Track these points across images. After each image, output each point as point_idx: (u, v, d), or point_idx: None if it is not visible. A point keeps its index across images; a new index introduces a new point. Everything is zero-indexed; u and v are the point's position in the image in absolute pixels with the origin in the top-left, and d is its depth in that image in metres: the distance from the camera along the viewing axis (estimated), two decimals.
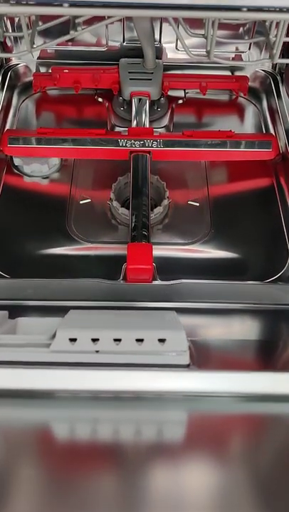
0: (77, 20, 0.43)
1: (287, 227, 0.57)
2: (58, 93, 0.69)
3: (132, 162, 0.58)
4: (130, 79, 0.65)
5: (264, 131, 0.66)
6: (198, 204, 0.58)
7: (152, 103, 0.66)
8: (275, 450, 0.25)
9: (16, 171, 0.60)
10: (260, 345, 0.40)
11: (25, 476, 0.24)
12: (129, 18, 0.62)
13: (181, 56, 0.69)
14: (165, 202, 0.57)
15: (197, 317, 0.46)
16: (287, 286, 0.50)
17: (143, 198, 0.54)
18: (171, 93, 0.68)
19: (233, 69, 0.70)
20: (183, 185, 0.60)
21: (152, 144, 0.59)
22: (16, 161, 0.60)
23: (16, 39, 0.67)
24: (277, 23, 0.38)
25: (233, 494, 0.24)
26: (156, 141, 0.59)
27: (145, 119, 0.64)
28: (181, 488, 0.24)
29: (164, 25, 0.66)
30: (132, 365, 0.27)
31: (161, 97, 0.67)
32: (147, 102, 0.65)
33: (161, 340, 0.28)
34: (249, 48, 0.68)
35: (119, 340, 0.28)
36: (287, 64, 0.63)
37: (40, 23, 0.48)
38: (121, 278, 0.51)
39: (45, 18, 0.49)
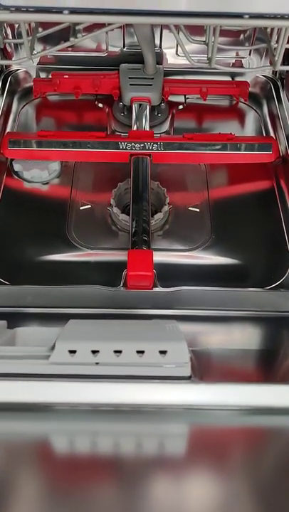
0: (77, 27, 0.43)
1: (288, 232, 0.57)
2: (58, 99, 0.69)
3: (132, 165, 0.58)
4: (130, 84, 0.65)
5: None
6: (198, 210, 0.58)
7: (153, 108, 0.66)
8: (277, 464, 0.25)
9: (16, 177, 0.60)
10: (262, 354, 0.40)
11: (24, 490, 0.24)
12: (130, 24, 0.62)
13: (182, 61, 0.69)
14: (165, 208, 0.57)
15: (198, 325, 0.46)
16: (288, 293, 0.50)
17: (143, 204, 0.54)
18: (171, 98, 0.68)
19: (233, 74, 0.70)
20: (183, 191, 0.60)
21: (152, 146, 0.59)
22: (16, 167, 0.60)
23: (16, 45, 0.67)
24: (279, 30, 0.38)
25: (235, 509, 0.23)
26: (157, 144, 0.59)
27: (145, 125, 0.64)
28: (182, 503, 0.23)
29: (165, 30, 0.66)
30: (133, 377, 0.27)
31: (161, 103, 0.67)
32: (148, 107, 0.65)
33: (162, 352, 0.27)
34: (249, 54, 0.68)
35: (119, 351, 0.27)
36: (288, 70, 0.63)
37: (40, 30, 0.48)
38: (121, 285, 0.50)
39: (46, 25, 0.49)
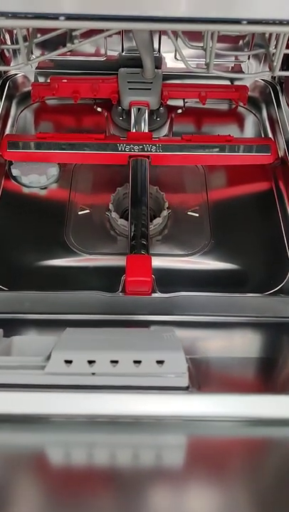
0: (74, 33, 0.43)
1: (288, 236, 0.56)
2: (57, 103, 0.69)
3: (130, 167, 0.58)
4: (129, 88, 0.65)
5: None
6: (197, 214, 0.58)
7: (151, 113, 0.66)
8: (277, 476, 0.24)
9: (14, 182, 0.60)
10: (262, 362, 0.39)
11: (20, 504, 0.23)
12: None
13: (181, 65, 0.68)
14: (164, 213, 0.57)
15: (197, 331, 0.45)
16: (288, 298, 0.50)
17: (142, 208, 0.54)
18: (170, 102, 0.68)
19: (232, 78, 0.70)
20: (182, 196, 0.60)
21: (151, 148, 0.59)
22: (14, 172, 0.60)
23: (14, 50, 0.67)
24: (277, 35, 0.38)
25: None
26: (156, 146, 0.59)
27: (144, 129, 0.64)
28: None
29: (164, 35, 0.66)
30: (130, 388, 0.27)
31: (160, 107, 0.67)
32: (146, 111, 0.65)
33: (160, 362, 0.27)
34: (248, 58, 0.68)
35: (116, 362, 0.27)
36: None
37: (38, 35, 0.48)
38: (120, 290, 0.50)
39: (43, 31, 0.48)
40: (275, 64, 0.39)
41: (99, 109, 0.68)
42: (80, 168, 0.62)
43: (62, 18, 0.30)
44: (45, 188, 0.60)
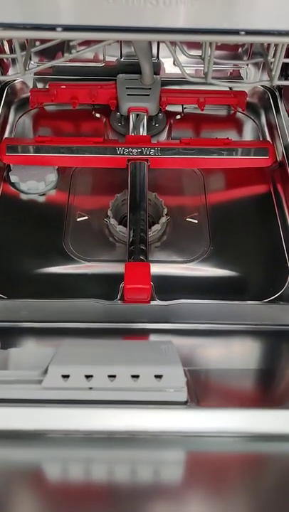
0: (72, 43, 0.43)
1: (287, 242, 0.56)
2: (56, 109, 0.68)
3: (129, 170, 0.58)
4: (128, 94, 0.65)
5: None
6: (196, 221, 0.58)
7: (150, 118, 0.66)
8: (278, 493, 0.24)
9: (12, 188, 0.60)
10: (262, 374, 0.39)
11: None
12: None
13: (179, 71, 0.68)
14: (163, 219, 0.56)
15: (195, 339, 0.45)
16: (287, 306, 0.49)
17: (141, 213, 0.54)
18: (169, 108, 0.68)
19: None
20: (181, 201, 0.60)
21: (150, 151, 0.59)
22: (13, 178, 0.59)
23: (12, 58, 0.66)
24: (276, 45, 0.37)
25: None
26: (154, 149, 0.59)
27: (143, 134, 0.64)
28: None
29: (162, 41, 0.66)
30: (128, 402, 0.26)
31: (159, 113, 0.67)
32: (145, 117, 0.64)
33: (158, 376, 0.27)
34: (247, 64, 0.68)
35: (113, 376, 0.27)
36: None
37: (37, 43, 0.48)
38: (118, 298, 0.50)
39: (41, 39, 0.48)
40: (273, 73, 0.38)
41: (97, 115, 0.68)
42: (79, 174, 0.62)
43: (59, 29, 0.30)
44: (44, 194, 0.60)
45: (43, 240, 0.56)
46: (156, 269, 0.51)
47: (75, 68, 0.69)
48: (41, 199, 0.60)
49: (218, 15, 0.30)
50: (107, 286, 0.51)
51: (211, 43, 0.36)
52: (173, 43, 0.48)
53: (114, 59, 0.69)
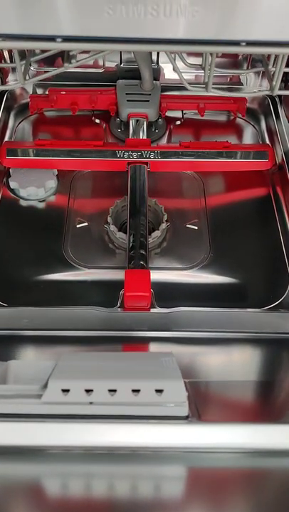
0: (71, 53, 0.42)
1: (287, 249, 0.56)
2: (55, 114, 0.68)
3: (129, 173, 0.58)
4: (128, 100, 0.65)
5: None
6: (196, 227, 0.58)
7: (150, 124, 0.66)
8: (280, 510, 0.24)
9: (12, 194, 0.60)
10: (263, 385, 0.39)
11: None
12: None
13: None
14: (163, 226, 0.56)
15: (196, 347, 0.45)
16: (288, 313, 0.49)
17: (141, 218, 0.54)
18: (169, 114, 0.68)
19: (231, 90, 0.70)
20: (181, 208, 0.59)
21: (150, 154, 0.59)
22: (12, 185, 0.59)
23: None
24: (277, 56, 0.37)
25: None
26: (154, 152, 0.60)
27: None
28: None
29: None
30: (128, 417, 0.26)
31: (159, 118, 0.67)
32: (145, 123, 0.64)
33: (159, 391, 0.27)
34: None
35: (114, 390, 0.26)
36: None
37: (37, 51, 0.48)
38: (118, 305, 0.50)
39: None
40: (274, 83, 0.38)
41: (97, 121, 0.68)
42: (79, 180, 0.61)
43: (59, 39, 0.30)
44: (43, 200, 0.60)
45: (42, 246, 0.56)
46: (156, 275, 0.51)
47: (75, 74, 0.68)
48: (41, 205, 0.59)
49: (219, 26, 0.29)
50: (107, 293, 0.51)
51: (211, 54, 0.36)
52: (173, 52, 0.48)
53: (114, 65, 0.69)
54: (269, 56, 0.41)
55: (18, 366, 0.30)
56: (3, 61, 0.62)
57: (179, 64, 0.51)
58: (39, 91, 0.70)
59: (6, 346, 0.43)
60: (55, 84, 0.68)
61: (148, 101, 0.65)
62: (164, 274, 0.54)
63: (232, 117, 0.69)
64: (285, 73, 0.40)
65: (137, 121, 0.64)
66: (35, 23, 0.29)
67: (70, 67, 0.42)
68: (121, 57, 0.68)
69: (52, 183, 0.60)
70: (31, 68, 0.67)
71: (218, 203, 0.60)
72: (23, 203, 0.59)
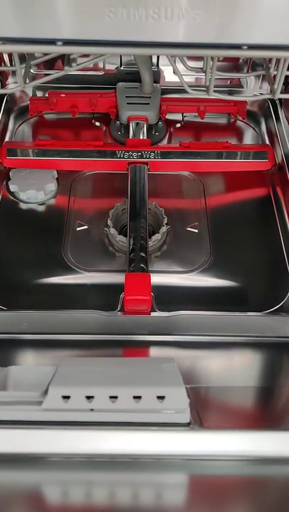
0: (72, 56, 0.42)
1: (288, 252, 0.56)
2: (55, 117, 0.68)
3: (129, 173, 0.58)
4: (128, 103, 0.65)
5: None
6: (196, 230, 0.57)
7: (150, 127, 0.66)
8: None
9: (12, 198, 0.59)
10: (265, 390, 0.38)
11: None
12: None
13: (179, 79, 0.68)
14: (163, 229, 0.56)
15: (196, 351, 0.45)
16: (288, 317, 0.49)
17: (141, 220, 0.54)
18: (169, 117, 0.68)
19: (231, 92, 0.70)
20: (181, 211, 0.59)
21: (150, 155, 0.59)
22: (12, 188, 0.59)
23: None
24: (278, 59, 0.37)
25: None
26: (154, 153, 0.60)
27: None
28: None
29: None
30: (129, 424, 0.26)
31: (159, 121, 0.67)
32: (145, 126, 0.64)
33: (160, 397, 0.26)
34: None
35: (115, 397, 0.26)
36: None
37: (37, 54, 0.48)
38: (118, 309, 0.49)
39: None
40: (275, 87, 0.38)
41: (97, 124, 0.68)
42: (78, 183, 0.61)
43: (60, 43, 0.30)
44: (43, 203, 0.59)
45: (42, 249, 0.55)
46: (156, 279, 0.51)
47: (75, 77, 0.68)
48: (41, 208, 0.59)
49: (221, 29, 0.29)
50: (107, 297, 0.51)
51: (212, 57, 0.36)
52: (174, 56, 0.48)
53: (114, 67, 0.69)
54: (270, 59, 0.41)
55: (18, 372, 0.30)
56: (3, 64, 0.62)
57: (180, 66, 0.51)
58: (39, 93, 0.70)
59: (5, 350, 0.43)
60: (55, 86, 0.68)
61: (148, 104, 0.65)
62: (165, 277, 0.53)
63: (232, 120, 0.69)
64: (286, 76, 0.40)
65: (137, 124, 0.64)
66: (36, 27, 0.29)
67: (70, 71, 0.42)
68: (121, 59, 0.68)
69: (52, 186, 0.60)
70: (31, 71, 0.67)
71: (219, 206, 0.60)
72: (22, 206, 0.59)
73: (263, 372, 0.43)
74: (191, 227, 0.58)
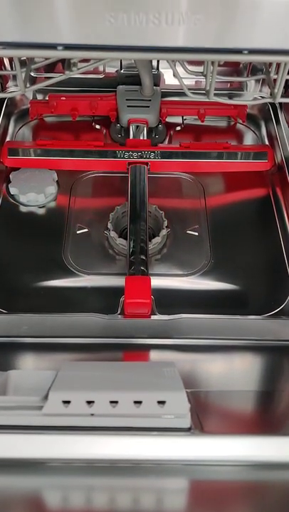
0: (72, 60, 0.42)
1: (288, 255, 0.56)
2: (55, 120, 0.68)
3: (129, 174, 0.58)
4: (128, 106, 0.65)
5: None
6: (197, 233, 0.57)
7: (150, 130, 0.66)
8: None
9: (12, 200, 0.60)
10: (266, 396, 0.38)
11: None
12: None
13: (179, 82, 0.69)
14: (163, 232, 0.56)
15: (197, 355, 0.45)
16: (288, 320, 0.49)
17: (141, 223, 0.54)
18: (169, 120, 0.68)
19: (231, 95, 0.70)
20: (181, 214, 0.59)
21: (150, 155, 0.60)
22: (12, 190, 0.59)
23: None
24: (278, 63, 0.37)
25: None
26: (154, 153, 0.60)
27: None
28: None
29: None
30: (130, 429, 0.26)
31: (159, 124, 0.67)
32: (145, 128, 0.64)
33: (161, 402, 0.26)
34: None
35: (115, 402, 0.26)
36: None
37: (38, 59, 0.48)
38: (118, 312, 0.49)
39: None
40: (276, 91, 0.38)
41: (97, 127, 0.68)
42: (79, 186, 0.61)
43: (60, 47, 0.30)
44: (43, 206, 0.60)
45: (42, 252, 0.55)
46: (156, 282, 0.51)
47: (75, 80, 0.68)
48: (41, 211, 0.59)
49: (221, 34, 0.29)
50: (107, 300, 0.51)
51: (213, 62, 0.36)
52: (174, 61, 0.48)
53: (114, 70, 0.69)
54: (270, 63, 0.41)
55: (18, 376, 0.30)
56: (3, 68, 0.62)
57: (179, 69, 0.51)
58: (39, 97, 0.70)
59: (5, 353, 0.43)
60: (55, 90, 0.68)
61: (148, 107, 0.65)
62: (165, 280, 0.53)
63: (232, 123, 0.69)
64: (286, 80, 0.40)
65: (137, 126, 0.64)
66: (36, 31, 0.29)
67: (71, 75, 0.42)
68: (121, 63, 0.68)
69: (52, 189, 0.60)
70: (31, 74, 0.67)
71: (219, 209, 0.60)
72: (23, 209, 0.59)
73: (264, 376, 0.43)
74: (191, 230, 0.58)
